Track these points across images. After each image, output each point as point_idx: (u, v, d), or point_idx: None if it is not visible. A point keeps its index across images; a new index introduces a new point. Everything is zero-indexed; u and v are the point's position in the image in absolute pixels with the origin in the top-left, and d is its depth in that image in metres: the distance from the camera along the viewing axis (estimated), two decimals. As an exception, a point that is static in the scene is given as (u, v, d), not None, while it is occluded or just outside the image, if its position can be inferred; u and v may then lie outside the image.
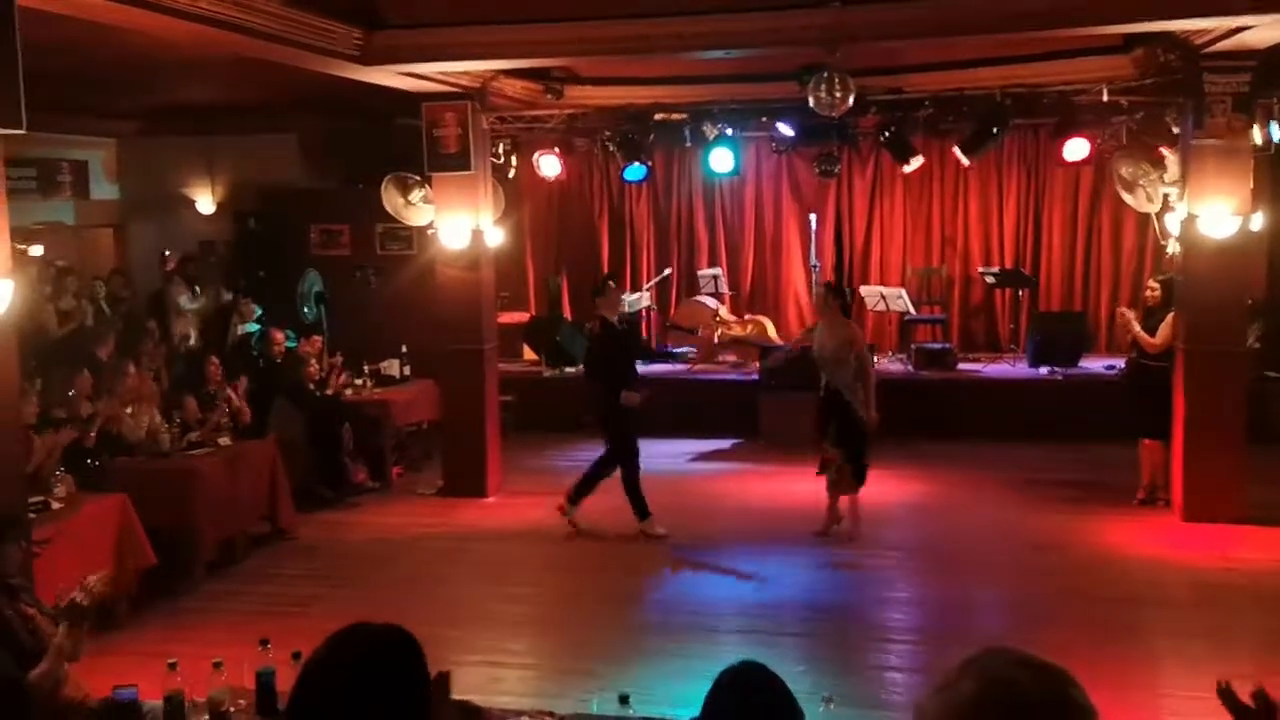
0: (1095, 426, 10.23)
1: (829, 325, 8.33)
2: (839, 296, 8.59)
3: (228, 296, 12.08)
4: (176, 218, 13.48)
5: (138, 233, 13.84)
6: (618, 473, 8.56)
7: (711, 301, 12.97)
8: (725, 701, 2.43)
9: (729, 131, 10.55)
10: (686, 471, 10.57)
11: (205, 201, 13.51)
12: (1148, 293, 9.05)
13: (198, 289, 11.96)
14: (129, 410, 7.83)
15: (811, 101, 7.95)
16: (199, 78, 9.95)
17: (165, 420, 8.00)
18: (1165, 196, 9.55)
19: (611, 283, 8.90)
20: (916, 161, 10.53)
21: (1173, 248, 9.41)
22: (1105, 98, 8.90)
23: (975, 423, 11.16)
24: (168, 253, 13.14)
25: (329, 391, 10.05)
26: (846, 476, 8.16)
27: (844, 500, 8.28)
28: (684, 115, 10.36)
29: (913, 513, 9.03)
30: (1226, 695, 2.70)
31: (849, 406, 8.04)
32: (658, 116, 10.39)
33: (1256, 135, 8.64)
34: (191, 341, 11.48)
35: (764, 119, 10.79)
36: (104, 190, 13.47)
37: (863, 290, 12.91)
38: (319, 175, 13.36)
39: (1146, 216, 10.92)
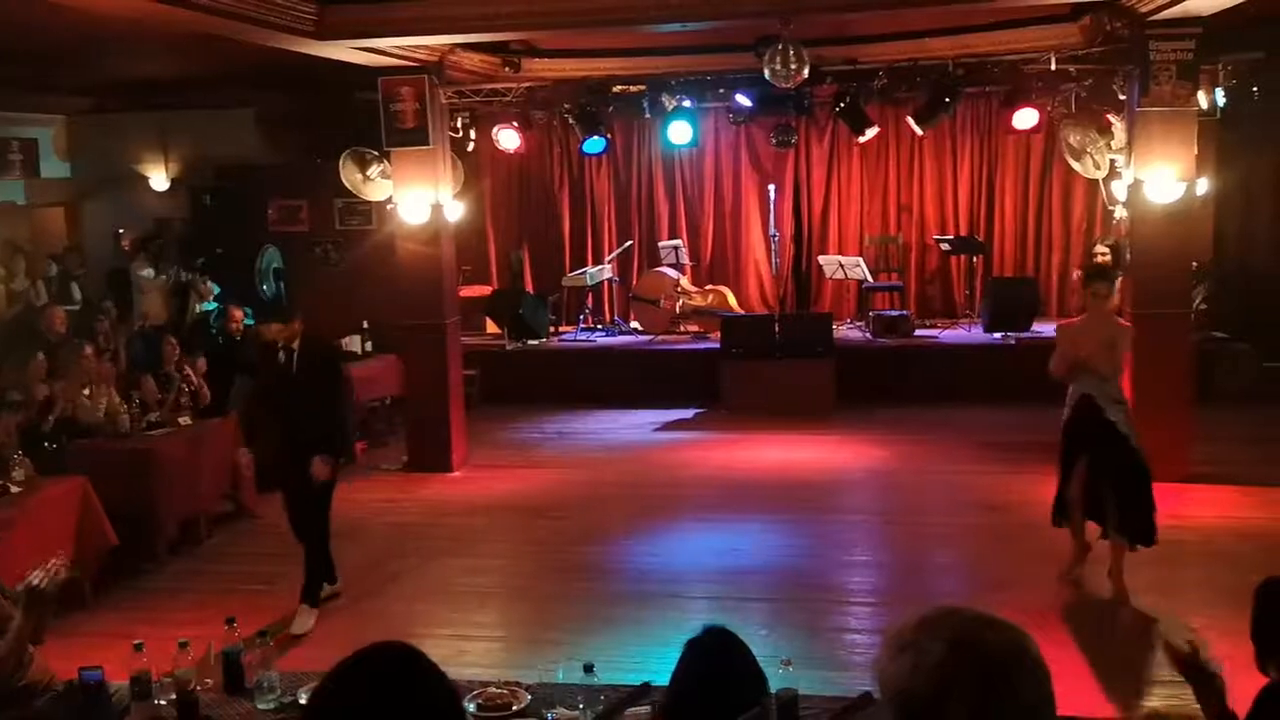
0: (1049, 389, 10.38)
1: (1101, 320, 6.47)
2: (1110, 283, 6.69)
3: (186, 276, 11.99)
4: (130, 195, 13.32)
5: (90, 211, 13.67)
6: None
7: (672, 272, 13.04)
8: (692, 667, 2.52)
9: (687, 103, 10.59)
10: (650, 441, 10.67)
11: (159, 178, 13.36)
12: (1097, 257, 9.22)
13: (159, 266, 11.87)
14: (86, 392, 7.79)
15: (767, 73, 8.01)
16: (152, 53, 9.84)
17: (124, 401, 7.97)
18: (1112, 163, 9.73)
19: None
20: (872, 131, 10.64)
21: (1120, 213, 9.59)
22: (1054, 66, 9.01)
23: (932, 387, 11.34)
24: (122, 231, 13.01)
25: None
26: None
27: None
28: (642, 87, 10.38)
29: (872, 477, 9.18)
30: (1167, 642, 2.92)
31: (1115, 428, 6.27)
32: (616, 89, 10.39)
33: (1201, 101, 8.81)
34: (156, 321, 11.39)
35: (721, 90, 10.84)
36: (55, 168, 13.28)
37: (821, 259, 13.04)
38: (276, 151, 13.24)
39: (1095, 183, 11.12)
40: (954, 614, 1.51)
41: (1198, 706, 2.86)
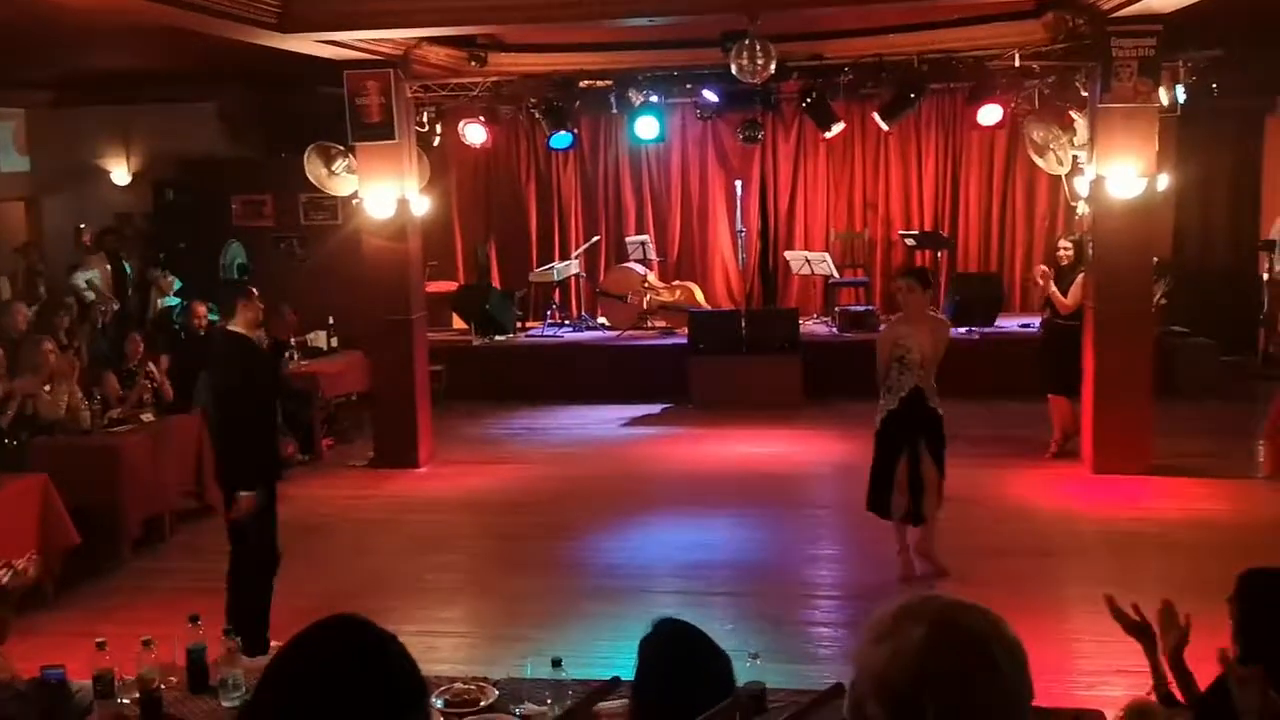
0: (1011, 383, 10.53)
1: (928, 321, 6.70)
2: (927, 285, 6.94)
3: (155, 272, 11.85)
4: (91, 190, 13.17)
5: (50, 206, 13.49)
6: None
7: (640, 268, 13.04)
8: (655, 662, 2.53)
9: (654, 98, 10.58)
10: (617, 436, 10.68)
11: (121, 173, 13.21)
12: (1060, 253, 9.30)
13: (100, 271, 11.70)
14: (47, 388, 7.70)
15: (734, 68, 8.03)
16: (113, 46, 9.71)
17: (85, 397, 7.88)
18: (1075, 159, 9.82)
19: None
20: (838, 127, 10.68)
21: (1082, 209, 9.69)
22: (1018, 63, 9.09)
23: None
24: (83, 226, 12.85)
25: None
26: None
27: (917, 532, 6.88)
28: (609, 82, 10.36)
29: (837, 471, 9.21)
30: (1114, 609, 3.25)
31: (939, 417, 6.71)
32: (583, 84, 10.38)
33: (1162, 97, 8.92)
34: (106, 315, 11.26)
35: (688, 86, 10.84)
36: (13, 163, 13.10)
37: (787, 255, 13.10)
38: (240, 145, 13.13)
39: (1058, 179, 11.23)
40: (931, 601, 1.52)
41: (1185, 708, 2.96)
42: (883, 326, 7.50)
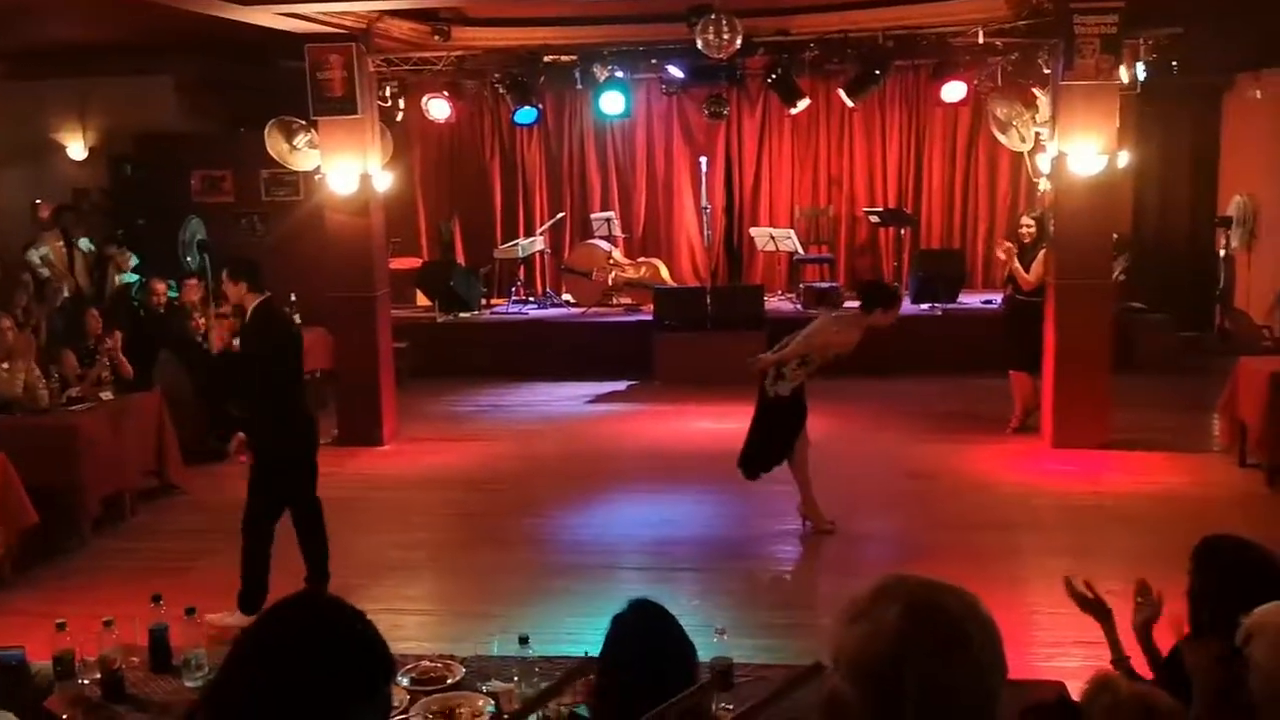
0: (974, 359, 10.62)
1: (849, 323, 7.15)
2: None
3: (111, 249, 11.66)
4: (46, 165, 12.92)
5: (4, 181, 13.22)
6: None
7: (605, 244, 13.02)
8: (622, 641, 2.54)
9: (619, 74, 10.52)
10: (582, 413, 10.68)
11: (77, 147, 12.98)
12: (1022, 230, 9.38)
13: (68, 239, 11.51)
14: (4, 365, 7.58)
15: (700, 43, 8.02)
16: (68, 17, 9.53)
17: (44, 376, 7.76)
18: (1037, 136, 9.89)
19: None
20: (803, 103, 10.67)
21: (1044, 186, 9.76)
22: (981, 39, 9.12)
23: (860, 358, 11.40)
24: (39, 201, 12.62)
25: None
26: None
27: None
28: (574, 57, 10.29)
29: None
30: (1072, 590, 3.31)
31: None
32: (547, 58, 10.30)
33: (1123, 75, 8.99)
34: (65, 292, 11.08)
35: (654, 61, 10.81)
36: (-35, 138, 12.83)
37: (752, 231, 13.12)
38: (199, 119, 12.93)
39: (1020, 156, 11.30)
40: (905, 581, 1.53)
41: (1148, 682, 3.01)
42: (837, 315, 7.53)
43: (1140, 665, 3.24)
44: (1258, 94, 11.78)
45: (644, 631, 2.55)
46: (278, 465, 5.93)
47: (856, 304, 7.28)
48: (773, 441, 7.11)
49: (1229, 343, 11.66)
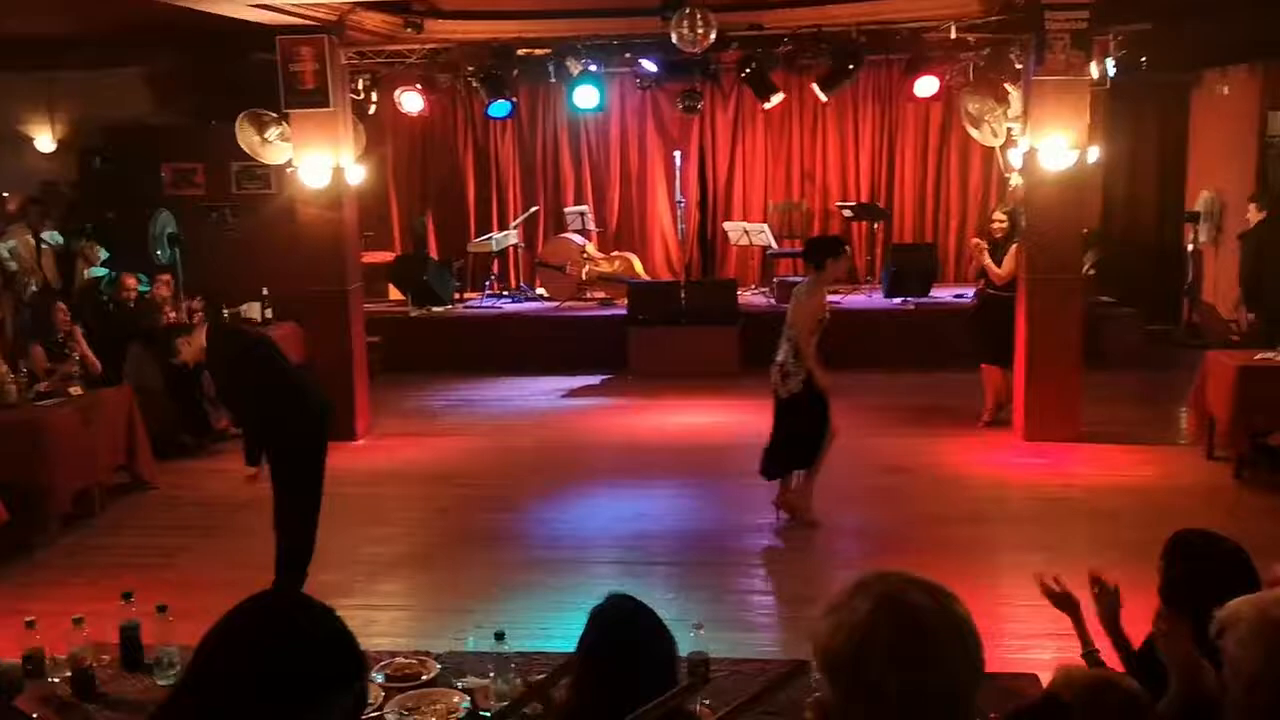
0: (946, 353, 10.69)
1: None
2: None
3: (81, 242, 11.52)
4: (13, 158, 12.76)
5: (-31, 174, 13.06)
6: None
7: (578, 238, 13.00)
8: (599, 636, 2.54)
9: (593, 67, 10.51)
10: (557, 408, 10.66)
11: (45, 140, 12.83)
12: (994, 225, 9.43)
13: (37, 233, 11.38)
14: (-30, 362, 7.50)
15: (674, 37, 8.02)
16: (35, 8, 9.40)
17: (12, 370, 7.67)
18: (1009, 131, 9.96)
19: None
20: (777, 98, 10.70)
21: (1016, 180, 9.83)
22: (953, 35, 9.17)
23: (833, 353, 11.48)
24: (5, 195, 12.47)
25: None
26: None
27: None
28: (548, 51, 10.26)
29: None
30: (1043, 587, 3.38)
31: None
32: (521, 52, 10.27)
33: (1093, 70, 9.06)
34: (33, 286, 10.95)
35: (628, 55, 10.78)
36: (-71, 130, 12.65)
37: (726, 226, 13.14)
38: (170, 112, 12.80)
39: (992, 151, 11.39)
40: (884, 577, 1.56)
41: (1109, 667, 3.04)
42: (796, 290, 7.59)
43: (1110, 658, 3.27)
44: (1225, 90, 11.91)
45: (622, 623, 2.55)
46: (293, 453, 5.86)
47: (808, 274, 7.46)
48: (800, 440, 7.11)
49: (1197, 336, 11.80)
